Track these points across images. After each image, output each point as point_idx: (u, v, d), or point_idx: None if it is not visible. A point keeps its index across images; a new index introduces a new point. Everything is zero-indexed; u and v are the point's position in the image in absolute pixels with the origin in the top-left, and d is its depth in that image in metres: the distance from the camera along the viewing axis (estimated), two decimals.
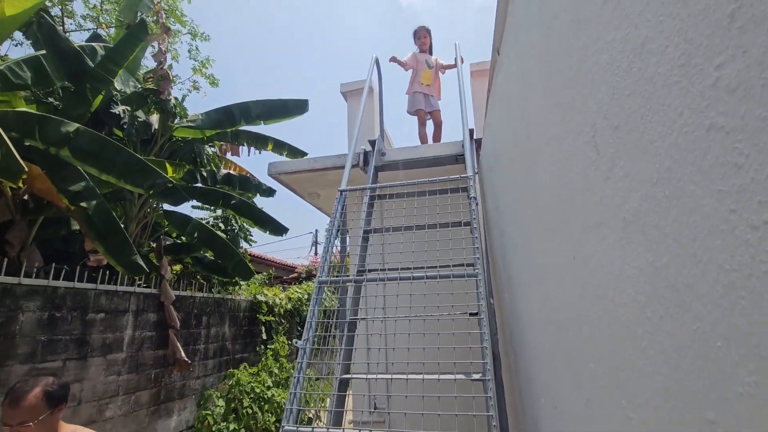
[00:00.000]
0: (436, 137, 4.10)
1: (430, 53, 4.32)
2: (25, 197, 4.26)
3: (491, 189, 2.68)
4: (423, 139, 4.12)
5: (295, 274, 13.98)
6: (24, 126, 3.46)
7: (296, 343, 1.59)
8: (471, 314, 2.01)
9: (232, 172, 6.42)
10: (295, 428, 1.35)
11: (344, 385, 2.02)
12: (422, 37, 4.28)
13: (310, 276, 13.27)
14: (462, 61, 3.34)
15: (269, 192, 6.63)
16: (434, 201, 2.31)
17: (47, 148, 3.53)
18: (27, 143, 3.60)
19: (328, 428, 1.38)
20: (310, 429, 1.33)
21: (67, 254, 5.02)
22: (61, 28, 4.53)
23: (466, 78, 4.29)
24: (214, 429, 5.81)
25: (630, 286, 0.62)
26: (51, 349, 4.05)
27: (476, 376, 1.81)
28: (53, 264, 4.34)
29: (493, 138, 2.39)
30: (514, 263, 2.01)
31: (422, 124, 4.12)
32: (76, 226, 4.96)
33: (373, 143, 3.11)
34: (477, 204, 1.97)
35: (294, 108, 6.05)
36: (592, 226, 0.76)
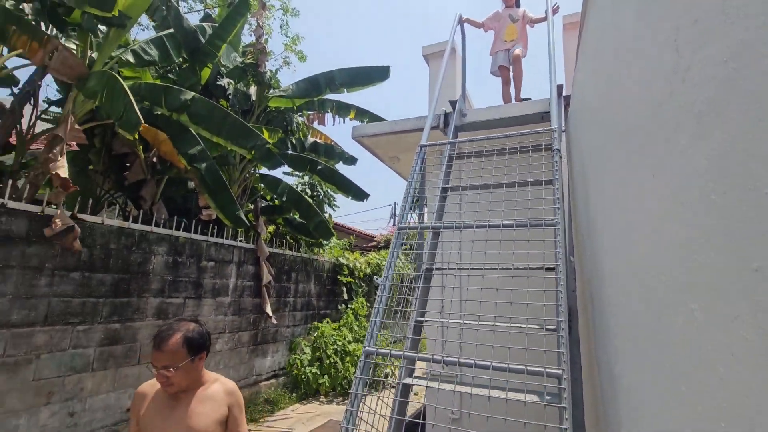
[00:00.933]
0: (517, 79, 3.89)
1: (517, 6, 4.08)
2: (154, 160, 5.03)
3: (578, 148, 2.54)
4: (506, 99, 3.96)
5: (374, 243, 14.56)
6: (152, 95, 4.07)
7: (377, 280, 1.74)
8: (547, 269, 1.99)
9: (318, 140, 6.83)
10: (374, 349, 1.52)
11: (417, 330, 2.15)
12: None
13: (388, 245, 13.73)
14: (554, 12, 3.12)
15: (351, 160, 6.93)
16: (514, 159, 2.27)
17: (171, 114, 4.12)
18: (156, 112, 4.23)
19: (404, 351, 1.53)
20: (388, 351, 1.48)
21: (186, 210, 5.87)
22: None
23: (559, 30, 3.99)
24: (301, 372, 6.51)
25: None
26: (175, 287, 4.84)
27: (550, 327, 1.81)
28: (175, 217, 5.12)
29: (582, 91, 2.26)
30: (597, 222, 1.92)
31: (506, 83, 3.96)
32: (192, 186, 5.75)
33: (453, 104, 3.10)
34: (561, 158, 1.91)
35: (376, 75, 6.18)
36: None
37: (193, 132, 4.32)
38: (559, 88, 2.70)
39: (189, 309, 5.00)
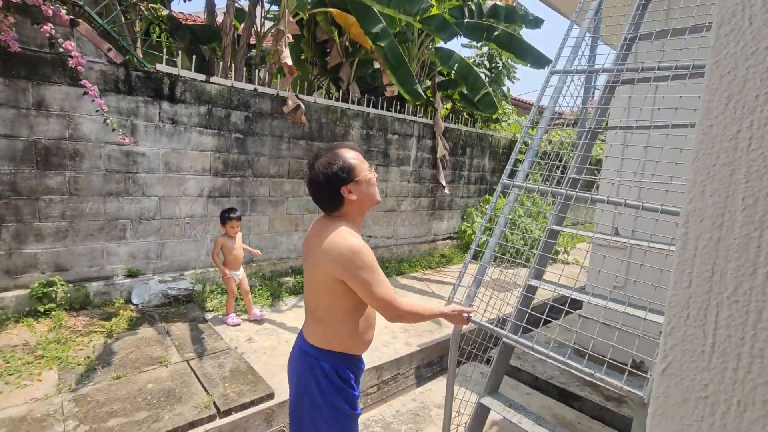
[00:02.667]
0: None
1: None
2: (347, 44, 5.72)
3: None
4: None
5: (559, 121, 13.26)
6: None
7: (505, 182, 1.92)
8: None
9: (498, 3, 6.29)
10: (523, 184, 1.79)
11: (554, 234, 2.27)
12: None
13: (575, 123, 12.32)
14: None
15: (536, 22, 6.22)
16: None
17: None
18: None
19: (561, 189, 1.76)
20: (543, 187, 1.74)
21: (373, 88, 6.64)
22: None
23: None
24: (472, 237, 7.26)
25: None
26: (368, 156, 5.87)
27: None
28: (365, 95, 5.92)
29: None
30: None
31: None
32: (377, 66, 6.38)
33: None
34: None
35: None
36: None
37: (374, 10, 4.69)
38: None
39: (380, 174, 6.05)
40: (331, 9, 4.95)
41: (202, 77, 4.27)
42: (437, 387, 3.39)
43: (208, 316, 3.92)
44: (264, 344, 3.43)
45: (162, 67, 4.01)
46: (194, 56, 4.63)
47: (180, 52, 4.42)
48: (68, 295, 3.61)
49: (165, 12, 5.01)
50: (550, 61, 6.18)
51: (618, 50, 2.33)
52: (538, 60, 6.03)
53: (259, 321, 3.89)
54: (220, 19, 6.10)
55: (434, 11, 4.46)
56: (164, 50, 4.43)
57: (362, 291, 1.38)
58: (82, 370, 2.76)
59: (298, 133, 5.06)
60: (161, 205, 4.19)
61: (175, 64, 4.28)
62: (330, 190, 1.42)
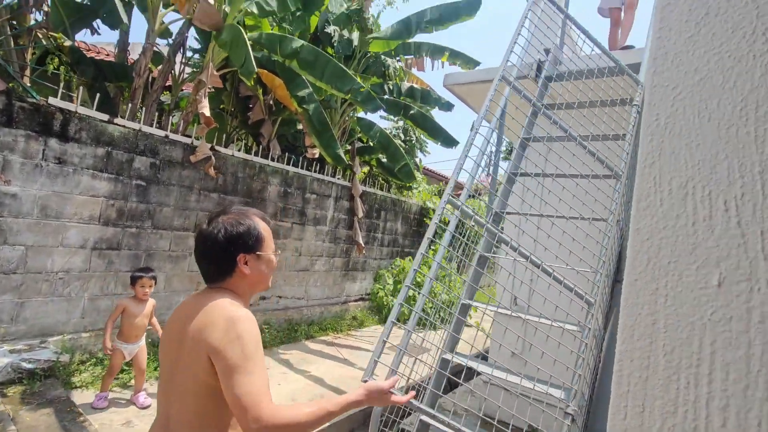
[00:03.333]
0: (625, 27, 3.61)
1: None
2: (271, 102, 5.77)
3: None
4: (613, 43, 3.71)
5: (461, 192, 14.62)
6: (270, 44, 4.66)
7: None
8: (594, 219, 2.12)
9: (415, 85, 6.99)
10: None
11: (482, 262, 2.46)
12: None
13: (477, 193, 13.72)
14: None
15: (448, 105, 7.00)
16: (597, 111, 2.31)
17: (284, 61, 4.70)
18: (273, 58, 4.84)
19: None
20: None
21: (295, 147, 6.69)
22: None
23: None
24: (383, 299, 7.32)
25: None
26: (285, 213, 5.75)
27: (572, 328, 1.99)
28: (286, 153, 5.92)
29: None
30: None
31: (615, 25, 3.68)
32: (300, 127, 6.49)
33: (547, 51, 3.08)
34: (639, 113, 1.95)
35: (465, 8, 5.95)
36: None
37: (303, 77, 4.86)
38: None
39: (295, 232, 5.92)
40: (258, 69, 5.01)
41: (105, 117, 3.89)
42: None
43: (75, 394, 3.23)
44: (146, 428, 2.90)
45: (55, 101, 3.58)
46: (98, 93, 4.23)
47: (81, 87, 4.01)
48: None
49: (68, 43, 4.58)
50: (458, 142, 6.95)
51: (516, 149, 2.71)
52: (447, 140, 6.72)
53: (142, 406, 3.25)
54: (133, 56, 5.76)
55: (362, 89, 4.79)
56: (62, 83, 3.98)
57: (224, 374, 0.99)
58: None
59: (211, 185, 4.79)
60: (28, 256, 3.52)
61: (71, 99, 3.86)
62: (225, 252, 1.17)
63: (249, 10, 4.72)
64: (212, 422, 1.08)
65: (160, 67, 4.90)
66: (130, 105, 4.36)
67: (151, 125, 4.37)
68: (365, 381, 1.34)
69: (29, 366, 3.30)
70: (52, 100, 3.57)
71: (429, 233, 2.02)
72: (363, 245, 6.70)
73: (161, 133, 4.30)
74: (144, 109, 4.33)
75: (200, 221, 4.71)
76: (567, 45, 3.87)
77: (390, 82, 6.63)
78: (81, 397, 3.21)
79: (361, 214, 6.63)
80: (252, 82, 5.16)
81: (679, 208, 0.44)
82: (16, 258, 3.45)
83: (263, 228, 1.26)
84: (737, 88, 0.41)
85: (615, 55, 2.87)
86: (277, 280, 5.72)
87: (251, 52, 4.25)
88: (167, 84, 5.43)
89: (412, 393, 1.28)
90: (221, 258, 1.18)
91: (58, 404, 3.02)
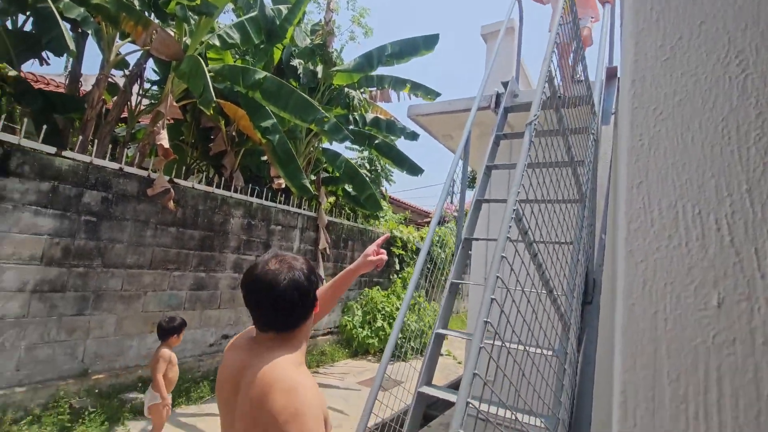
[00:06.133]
0: (575, 60, 3.85)
1: None
2: (234, 133, 5.67)
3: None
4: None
5: (428, 219, 14.84)
6: (233, 75, 4.62)
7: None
8: (563, 243, 2.17)
9: (380, 116, 7.14)
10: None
11: (453, 290, 2.45)
12: None
13: (443, 222, 13.95)
14: None
15: (413, 135, 7.16)
16: (558, 139, 2.42)
17: (247, 92, 4.66)
18: (236, 90, 4.80)
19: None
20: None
21: (259, 178, 6.55)
22: None
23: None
24: (353, 332, 7.12)
25: None
26: (248, 246, 5.54)
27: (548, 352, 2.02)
28: (250, 185, 5.78)
29: None
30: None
31: (562, 57, 3.93)
32: (265, 158, 6.40)
33: (506, 84, 3.23)
34: (595, 141, 2.05)
35: (424, 43, 6.24)
36: None
37: (267, 108, 4.84)
38: (612, 70, 2.74)
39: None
40: (220, 100, 4.94)
41: (51, 150, 3.65)
42: None
43: None
44: None
45: None
46: (44, 125, 3.98)
47: (26, 119, 3.76)
48: None
49: (13, 73, 4.33)
50: (422, 170, 7.08)
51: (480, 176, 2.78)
52: (412, 168, 6.83)
53: None
54: (86, 87, 5.53)
55: (326, 119, 4.82)
56: (3, 115, 3.72)
57: None
58: None
59: (169, 219, 4.56)
60: None
61: (13, 132, 3.60)
62: (305, 304, 1.07)
63: (211, 42, 4.70)
64: None
65: (115, 98, 4.72)
66: (80, 137, 4.13)
67: (104, 158, 4.15)
68: None
69: None
70: None
71: (419, 266, 1.99)
72: (323, 278, 6.52)
73: (115, 165, 4.08)
74: (96, 141, 4.11)
75: (156, 257, 4.44)
76: (522, 78, 4.11)
77: (355, 113, 6.73)
78: None
79: (323, 246, 6.50)
80: (212, 112, 5.07)
81: (671, 228, 0.44)
82: None
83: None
84: (717, 109, 0.42)
85: (575, 88, 3.05)
86: (241, 316, 5.43)
87: (210, 82, 4.19)
88: (123, 116, 5.23)
89: None
90: (300, 310, 1.07)
91: None
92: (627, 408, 0.44)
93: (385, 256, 1.57)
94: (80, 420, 3.44)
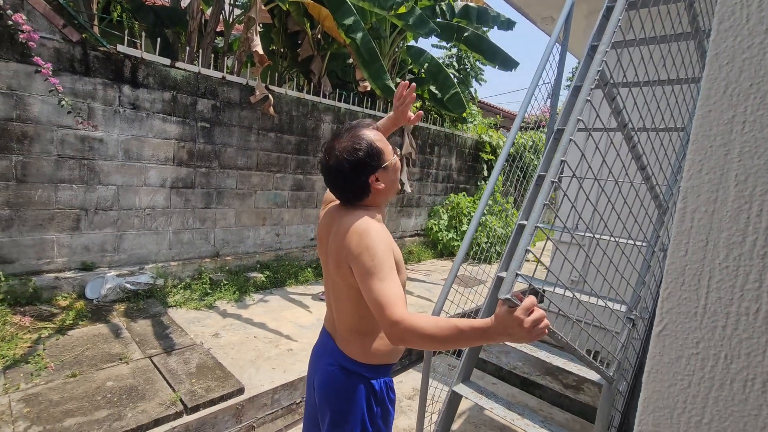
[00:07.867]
0: None
1: None
2: (319, 36, 5.65)
3: None
4: None
5: (522, 123, 13.79)
6: None
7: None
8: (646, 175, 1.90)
9: (470, 4, 6.43)
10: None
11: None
12: None
13: (538, 126, 12.86)
14: None
15: (508, 24, 6.39)
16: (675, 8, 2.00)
17: None
18: None
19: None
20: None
21: (345, 82, 6.61)
22: None
23: None
24: (438, 234, 7.40)
25: None
26: None
27: (640, 244, 1.84)
28: (337, 89, 5.88)
29: None
30: None
31: None
32: (350, 61, 6.36)
33: None
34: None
35: None
36: None
37: (348, 3, 4.67)
38: None
39: None
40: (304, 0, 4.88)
41: (167, 62, 4.08)
42: (406, 379, 3.45)
43: (171, 311, 3.76)
44: (231, 339, 3.34)
45: (123, 49, 3.79)
46: (158, 39, 4.40)
47: (143, 33, 4.19)
48: (13, 289, 3.34)
49: None
50: (518, 64, 6.42)
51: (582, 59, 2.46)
52: (505, 62, 6.23)
53: (223, 315, 3.77)
54: (185, 2, 5.85)
55: (403, 9, 4.49)
56: (126, 31, 4.18)
57: (361, 281, 1.09)
58: (32, 368, 2.57)
59: (268, 124, 4.95)
60: (119, 194, 3.96)
61: (136, 46, 4.06)
62: (356, 181, 1.20)
63: None
64: (368, 325, 1.25)
65: (211, 8, 4.94)
66: (187, 49, 4.50)
67: (209, 68, 4.52)
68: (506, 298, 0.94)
69: (132, 288, 3.86)
70: (120, 48, 3.78)
71: (500, 161, 1.96)
72: (406, 183, 6.52)
73: (218, 74, 4.44)
74: (201, 51, 4.45)
75: (261, 160, 4.96)
76: None
77: (442, 2, 6.15)
78: (176, 313, 3.73)
79: (408, 150, 6.49)
80: (301, 14, 5.06)
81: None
82: (110, 197, 3.91)
83: (378, 139, 1.23)
84: None
85: None
86: None
87: None
88: (219, 29, 5.50)
89: (532, 298, 0.90)
90: (355, 186, 1.21)
91: (158, 318, 3.54)
92: (686, 211, 0.45)
93: (413, 95, 1.45)
94: (218, 289, 4.32)
